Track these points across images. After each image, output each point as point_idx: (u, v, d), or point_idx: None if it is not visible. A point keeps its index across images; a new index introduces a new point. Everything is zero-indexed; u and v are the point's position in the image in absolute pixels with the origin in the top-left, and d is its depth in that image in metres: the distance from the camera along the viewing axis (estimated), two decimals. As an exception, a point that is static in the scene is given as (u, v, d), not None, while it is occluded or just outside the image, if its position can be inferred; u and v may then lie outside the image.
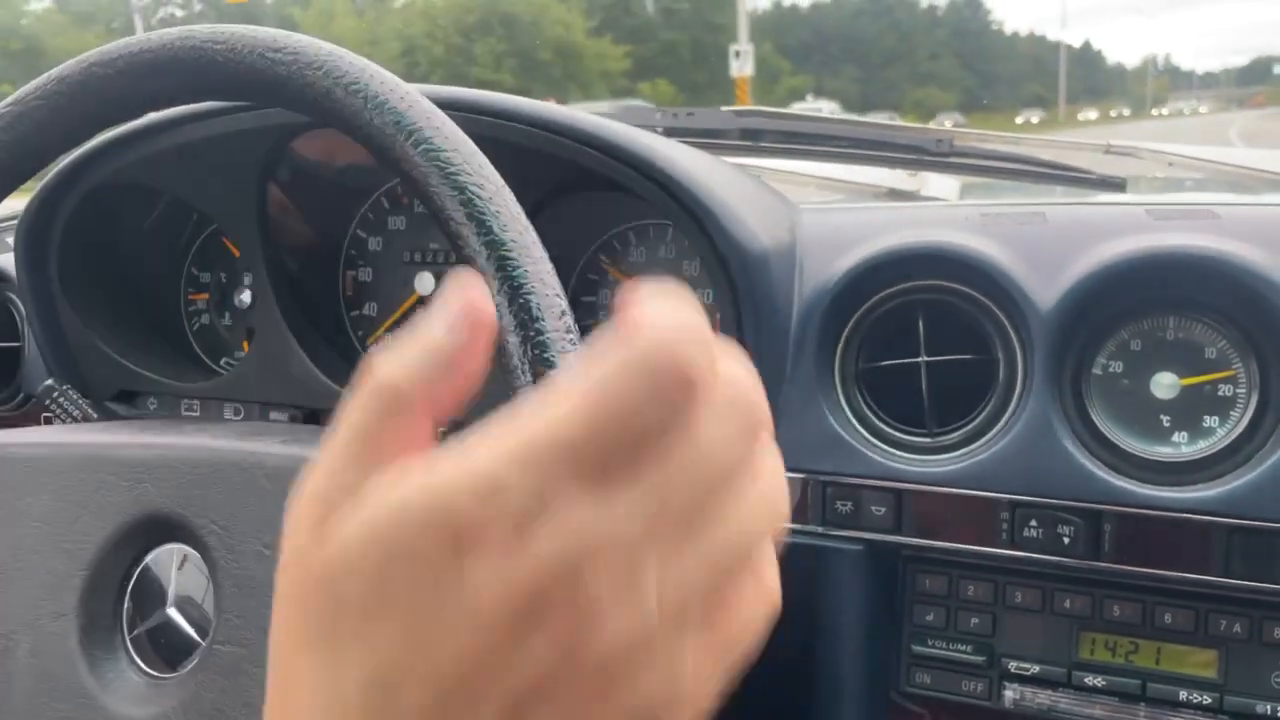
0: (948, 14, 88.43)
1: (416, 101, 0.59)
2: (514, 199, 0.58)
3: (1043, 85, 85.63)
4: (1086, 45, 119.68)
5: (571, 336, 0.55)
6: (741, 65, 17.03)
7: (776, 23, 74.78)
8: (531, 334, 0.54)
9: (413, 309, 1.08)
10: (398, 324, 1.09)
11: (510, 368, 0.55)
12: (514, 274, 0.55)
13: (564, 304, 0.56)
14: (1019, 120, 55.22)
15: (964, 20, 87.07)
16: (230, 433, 0.69)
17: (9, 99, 0.66)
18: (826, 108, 28.61)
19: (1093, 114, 64.46)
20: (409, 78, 0.64)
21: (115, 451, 0.68)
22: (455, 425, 0.96)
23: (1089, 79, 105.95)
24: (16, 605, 0.67)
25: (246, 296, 1.14)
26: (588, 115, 0.89)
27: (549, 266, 0.56)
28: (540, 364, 0.54)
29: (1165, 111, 74.48)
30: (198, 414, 1.09)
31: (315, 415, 1.03)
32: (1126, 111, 73.92)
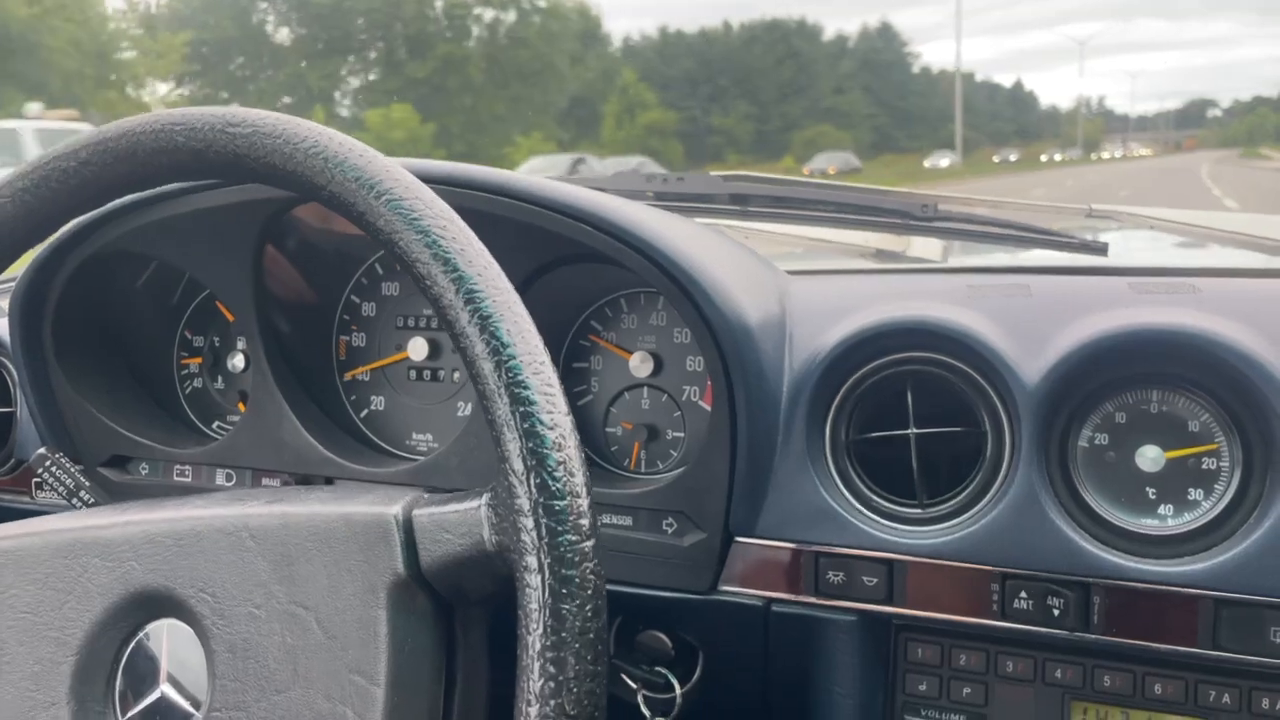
0: (858, 44, 76.52)
1: (374, 158, 0.61)
2: (476, 237, 0.59)
3: (967, 126, 70.78)
4: (1018, 85, 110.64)
5: (544, 360, 0.57)
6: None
7: (661, 50, 63.28)
8: (504, 359, 0.56)
9: (397, 363, 1.09)
10: (380, 371, 1.10)
11: (486, 394, 0.56)
12: (482, 305, 0.57)
13: (533, 327, 0.57)
14: (808, 170, 34.94)
15: (875, 51, 76.29)
16: (212, 501, 0.69)
17: None
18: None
19: (944, 161, 46.20)
20: None
21: (97, 533, 0.68)
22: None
23: (1020, 120, 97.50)
24: (6, 699, 0.66)
25: (239, 361, 1.15)
26: (578, 189, 0.91)
27: (516, 296, 0.58)
28: (515, 386, 0.55)
29: (1059, 157, 62.09)
30: (190, 479, 1.09)
31: (307, 481, 1.03)
32: (1013, 157, 58.34)
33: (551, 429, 0.55)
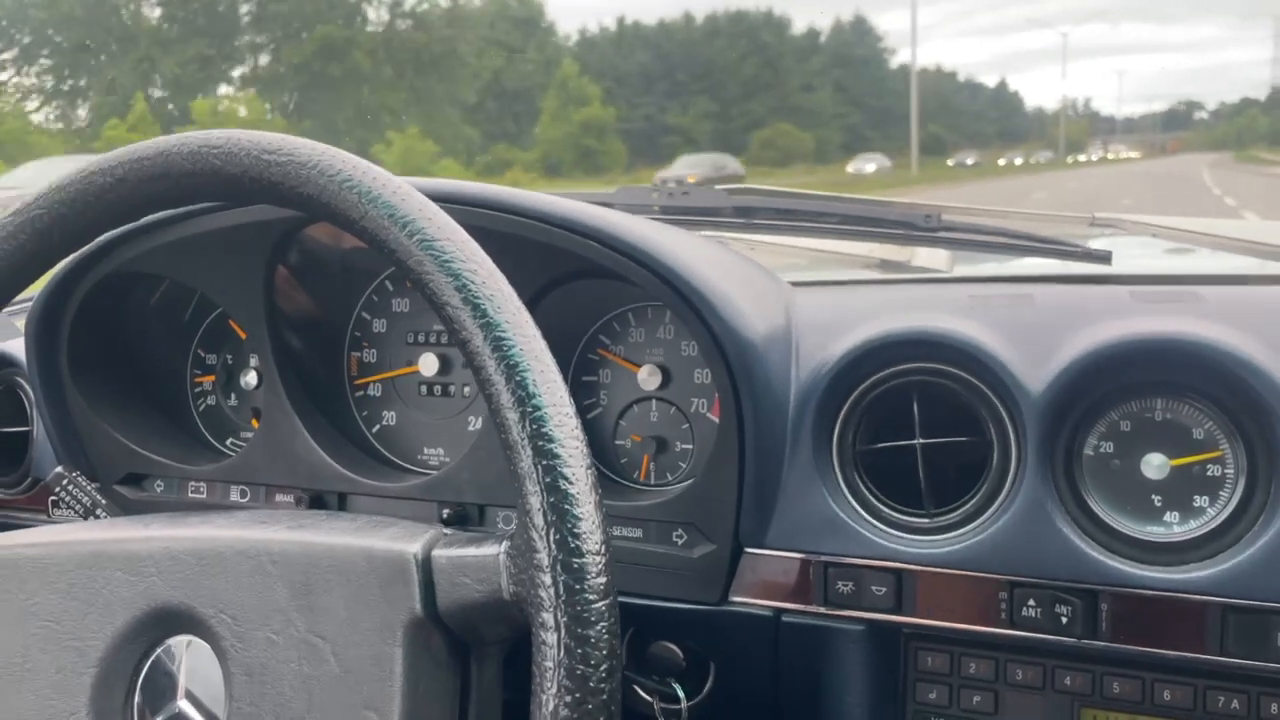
0: (830, 39, 70.62)
1: (409, 194, 0.62)
2: (506, 281, 0.60)
3: (943, 125, 69.08)
4: (1002, 85, 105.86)
5: (569, 411, 0.57)
6: None
7: (617, 43, 58.43)
8: (529, 410, 0.56)
9: (408, 378, 1.10)
10: (391, 387, 1.11)
11: (510, 444, 0.57)
12: (509, 353, 0.57)
13: (559, 378, 0.58)
14: (658, 179, 16.52)
15: (848, 46, 71.27)
16: (235, 522, 0.70)
17: (11, 209, 0.68)
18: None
19: (870, 166, 38.46)
20: None
21: (121, 547, 0.69)
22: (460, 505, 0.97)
23: (1005, 121, 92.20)
24: (27, 706, 0.67)
25: (252, 378, 1.16)
26: (585, 205, 0.92)
27: (543, 344, 0.58)
28: (539, 439, 0.56)
29: (1019, 162, 55.14)
30: (204, 496, 1.10)
31: (320, 497, 1.05)
32: (970, 161, 52.10)
33: (573, 484, 0.55)
